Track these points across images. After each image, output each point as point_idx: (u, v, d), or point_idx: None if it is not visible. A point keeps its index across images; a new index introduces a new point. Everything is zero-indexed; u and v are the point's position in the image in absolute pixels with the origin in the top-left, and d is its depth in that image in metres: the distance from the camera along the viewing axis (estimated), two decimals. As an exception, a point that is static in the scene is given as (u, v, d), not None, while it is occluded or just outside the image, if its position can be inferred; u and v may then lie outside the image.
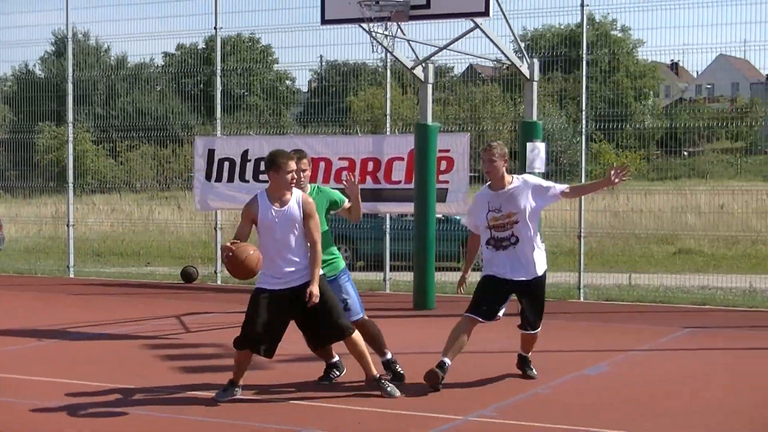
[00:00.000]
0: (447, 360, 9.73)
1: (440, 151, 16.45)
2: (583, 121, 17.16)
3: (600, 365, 11.08)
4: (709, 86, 54.38)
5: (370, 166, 17.46)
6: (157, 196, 25.21)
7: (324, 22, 15.38)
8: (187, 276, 19.84)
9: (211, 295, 18.08)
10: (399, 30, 15.48)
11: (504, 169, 9.87)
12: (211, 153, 18.63)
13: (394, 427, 8.42)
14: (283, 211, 9.14)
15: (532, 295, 10.04)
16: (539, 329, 10.15)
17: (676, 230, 20.33)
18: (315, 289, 9.04)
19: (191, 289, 18.97)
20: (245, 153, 18.39)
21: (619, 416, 8.69)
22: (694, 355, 11.97)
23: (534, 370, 10.30)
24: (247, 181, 18.32)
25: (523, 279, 9.92)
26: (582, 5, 17.08)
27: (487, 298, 9.95)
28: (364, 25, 14.74)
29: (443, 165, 16.71)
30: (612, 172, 9.57)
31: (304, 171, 9.57)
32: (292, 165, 9.06)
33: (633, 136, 21.68)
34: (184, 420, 8.63)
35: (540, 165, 15.33)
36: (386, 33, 15.13)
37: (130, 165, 24.41)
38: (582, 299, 16.93)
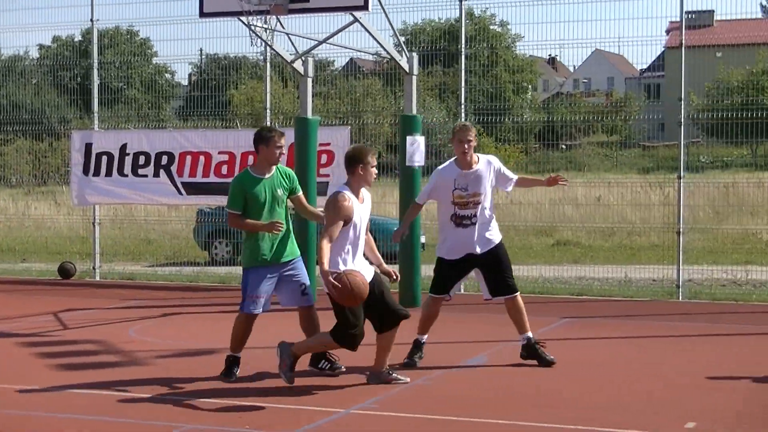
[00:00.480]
0: (424, 337, 10.80)
1: (321, 144, 16.44)
2: (463, 115, 17.32)
3: (479, 356, 11.21)
4: (585, 81, 55.36)
5: (251, 160, 17.39)
6: (34, 191, 24.73)
7: (202, 14, 15.22)
8: (65, 272, 19.52)
9: (90, 290, 17.81)
10: (278, 23, 15.43)
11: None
12: (88, 147, 18.36)
13: (277, 421, 8.42)
14: (364, 206, 9.53)
15: (497, 261, 10.56)
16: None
17: (554, 222, 20.66)
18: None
19: (69, 285, 18.68)
20: (124, 147, 18.18)
21: (499, 406, 8.81)
22: (573, 344, 12.19)
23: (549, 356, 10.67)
24: (126, 176, 18.14)
25: (486, 250, 10.49)
26: (461, 0, 17.21)
27: (451, 278, 10.65)
28: (243, 19, 14.63)
29: (324, 158, 16.73)
30: (549, 177, 10.03)
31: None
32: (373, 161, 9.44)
33: (512, 129, 21.93)
34: (67, 419, 8.51)
35: (420, 158, 15.43)
36: (266, 26, 15.06)
37: (5, 159, 23.89)
38: (462, 291, 17.06)
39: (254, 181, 9.99)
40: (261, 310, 9.91)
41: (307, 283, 10.17)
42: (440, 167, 10.83)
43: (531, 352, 10.64)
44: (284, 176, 10.19)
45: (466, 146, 10.39)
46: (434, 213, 19.47)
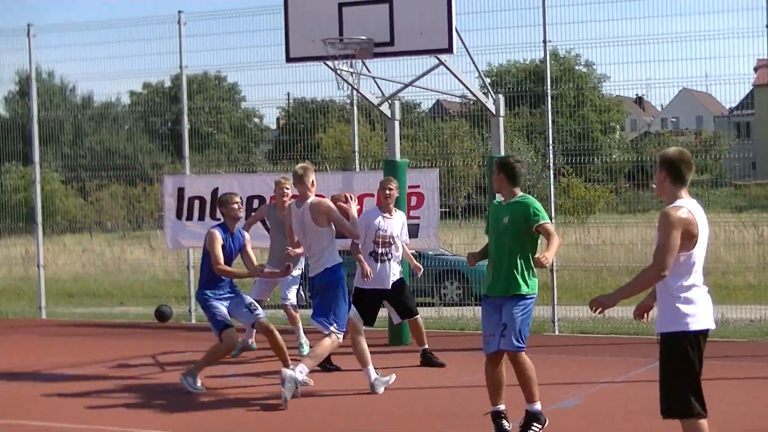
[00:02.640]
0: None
1: (410, 187, 16.49)
2: (550, 155, 17.26)
3: (573, 399, 11.11)
4: (674, 120, 54.91)
5: (341, 203, 17.49)
6: (129, 235, 25.09)
7: (289, 60, 15.38)
8: (162, 315, 19.70)
9: (186, 333, 17.98)
10: (364, 67, 15.55)
11: None
12: (180, 191, 18.58)
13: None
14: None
15: (401, 290, 13.21)
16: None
17: (647, 262, 20.38)
18: None
19: (166, 329, 18.87)
20: (215, 191, 18.38)
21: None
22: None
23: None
24: (219, 219, 18.29)
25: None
26: (545, 41, 17.18)
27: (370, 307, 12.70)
28: (330, 63, 14.79)
29: (413, 201, 16.74)
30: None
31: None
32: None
33: (601, 169, 21.78)
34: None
35: (508, 199, 15.37)
36: (351, 70, 15.19)
37: (101, 204, 24.30)
38: (557, 332, 16.95)
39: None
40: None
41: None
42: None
43: (426, 359, 13.51)
44: None
45: (387, 192, 13.03)
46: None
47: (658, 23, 22.77)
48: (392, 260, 12.88)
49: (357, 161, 18.68)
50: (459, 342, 16.09)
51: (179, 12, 19.54)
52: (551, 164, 17.28)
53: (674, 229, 6.86)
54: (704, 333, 7.05)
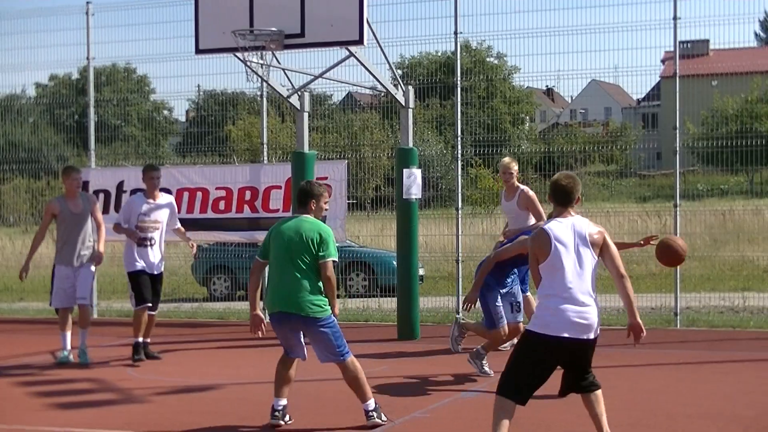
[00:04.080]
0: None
1: (318, 178, 16.48)
2: (458, 147, 17.35)
3: (477, 388, 11.20)
4: (582, 111, 55.50)
5: (248, 195, 17.47)
6: (31, 229, 24.66)
7: (198, 51, 15.27)
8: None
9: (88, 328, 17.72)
10: (274, 59, 15.51)
11: None
12: (85, 185, 18.36)
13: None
14: None
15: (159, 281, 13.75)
16: None
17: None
18: None
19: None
20: (121, 184, 18.22)
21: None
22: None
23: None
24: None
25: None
26: (456, 33, 17.27)
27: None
28: (239, 55, 14.71)
29: (321, 192, 16.71)
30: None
31: None
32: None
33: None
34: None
35: (417, 191, 15.48)
36: (261, 62, 15.14)
37: (3, 198, 23.88)
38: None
39: None
40: None
41: None
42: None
43: (145, 353, 13.61)
44: None
45: (156, 182, 13.55)
46: (433, 246, 19.67)
47: (568, 15, 23.02)
48: (155, 246, 13.53)
49: (265, 153, 18.63)
50: (365, 334, 16.12)
51: (87, 2, 19.30)
52: (459, 156, 17.37)
53: (528, 241, 8.17)
54: (562, 339, 7.55)
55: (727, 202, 21.05)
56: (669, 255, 9.70)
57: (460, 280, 17.23)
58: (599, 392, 7.91)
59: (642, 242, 10.83)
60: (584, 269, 7.65)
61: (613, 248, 7.82)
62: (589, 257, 7.68)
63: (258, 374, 11.90)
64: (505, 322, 11.55)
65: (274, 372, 9.46)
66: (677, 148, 16.22)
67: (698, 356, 13.25)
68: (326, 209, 9.50)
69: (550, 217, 7.96)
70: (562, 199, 7.91)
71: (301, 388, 10.56)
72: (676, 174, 16.29)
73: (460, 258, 17.31)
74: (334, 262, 9.23)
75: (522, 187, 13.38)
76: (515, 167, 13.48)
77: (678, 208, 16.13)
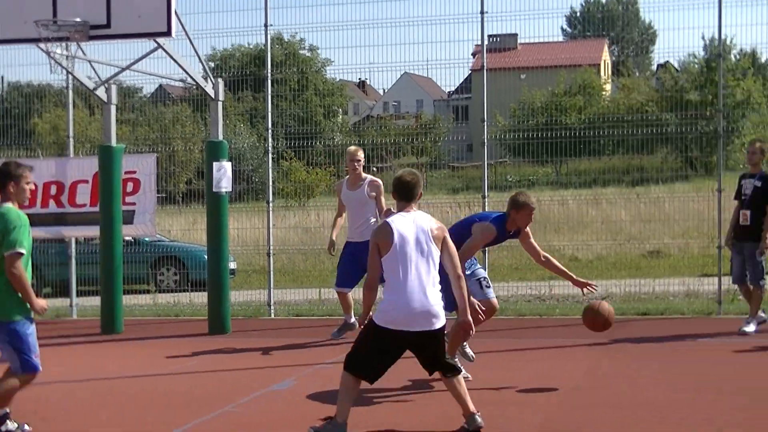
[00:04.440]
0: None
1: (126, 172, 16.23)
2: (270, 140, 17.29)
3: (288, 380, 11.19)
4: (395, 104, 56.01)
5: (53, 189, 17.01)
6: None
7: (-3, 41, 14.87)
8: None
9: None
10: (79, 50, 15.16)
11: None
12: None
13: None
14: None
15: None
16: None
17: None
18: None
19: None
20: None
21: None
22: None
23: None
24: None
25: None
26: (266, 25, 17.19)
27: None
28: (42, 45, 14.32)
29: (129, 186, 16.47)
30: None
31: None
32: None
33: (323, 153, 22.01)
34: None
35: (227, 184, 15.35)
36: (66, 53, 14.78)
37: None
38: (273, 316, 17.03)
39: None
40: None
41: None
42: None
43: None
44: None
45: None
46: (245, 239, 19.57)
47: (381, 8, 23.18)
48: None
49: (71, 147, 18.18)
50: (175, 329, 15.95)
51: None
52: (270, 148, 17.30)
53: (372, 234, 8.31)
54: (408, 332, 7.94)
55: (535, 193, 21.52)
56: (594, 322, 10.34)
57: (272, 273, 17.17)
58: (460, 376, 8.30)
59: (576, 282, 10.97)
60: (426, 263, 7.98)
61: (452, 246, 8.21)
62: (431, 251, 8.01)
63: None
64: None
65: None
66: (485, 141, 16.53)
67: (506, 344, 13.52)
68: (29, 189, 8.49)
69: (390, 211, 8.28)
70: (405, 195, 8.23)
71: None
72: (484, 165, 16.60)
73: (271, 251, 17.25)
74: (19, 254, 8.16)
75: (369, 176, 13.37)
76: (362, 155, 13.41)
77: (486, 199, 16.44)
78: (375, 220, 13.06)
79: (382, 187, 13.23)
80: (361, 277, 12.56)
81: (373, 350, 8.03)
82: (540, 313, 16.43)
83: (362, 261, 12.38)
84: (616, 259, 20.75)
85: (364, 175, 13.38)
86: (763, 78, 23.85)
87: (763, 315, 13.67)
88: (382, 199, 13.17)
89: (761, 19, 17.10)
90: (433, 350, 8.15)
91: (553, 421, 9.03)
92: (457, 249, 8.64)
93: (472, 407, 8.24)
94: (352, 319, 13.44)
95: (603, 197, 19.80)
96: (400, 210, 8.18)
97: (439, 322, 8.01)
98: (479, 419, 8.23)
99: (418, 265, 7.95)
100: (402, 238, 7.94)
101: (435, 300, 8.00)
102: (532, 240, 10.71)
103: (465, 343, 11.15)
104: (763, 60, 24.72)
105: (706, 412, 9.14)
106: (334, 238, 13.79)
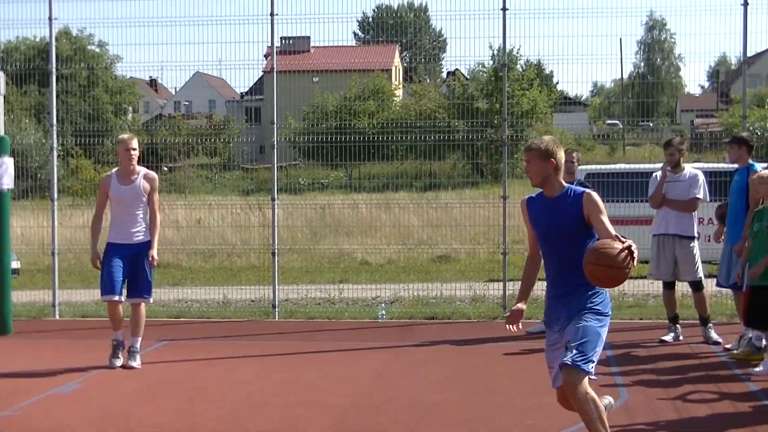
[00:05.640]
0: None
1: None
2: (54, 136, 16.79)
3: (71, 383, 10.91)
4: (186, 103, 55.45)
5: None
6: None
7: None
8: None
9: None
10: None
11: None
12: None
13: None
14: None
15: None
16: None
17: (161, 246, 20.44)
18: None
19: None
20: None
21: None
22: (168, 366, 12.11)
23: None
24: None
25: None
26: (50, 18, 16.67)
27: None
28: None
29: None
30: None
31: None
32: None
33: (112, 151, 21.59)
34: None
35: (8, 181, 14.84)
36: None
37: None
38: (57, 317, 16.56)
39: None
40: None
41: None
42: None
43: None
44: None
45: None
46: (30, 238, 18.99)
47: (173, 6, 22.88)
48: None
49: None
50: None
51: None
52: (54, 145, 16.82)
53: None
54: None
55: (327, 196, 21.63)
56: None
57: (57, 272, 16.68)
58: None
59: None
60: None
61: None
62: None
63: None
64: None
65: None
66: (275, 143, 16.52)
67: (295, 347, 13.51)
68: None
69: None
70: None
71: None
72: (274, 168, 16.56)
73: (56, 250, 16.76)
74: None
75: (143, 169, 12.34)
76: (136, 144, 11.98)
77: (276, 202, 16.40)
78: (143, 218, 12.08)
79: (157, 181, 12.23)
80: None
81: None
82: (329, 316, 16.48)
83: (132, 266, 11.86)
84: (406, 263, 21.00)
85: (138, 168, 12.12)
86: (548, 88, 24.53)
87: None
88: (157, 195, 12.14)
89: (544, 32, 17.54)
90: None
91: (343, 422, 9.08)
92: None
93: None
94: (121, 337, 12.15)
95: (394, 202, 20.02)
96: None
97: None
98: None
99: None
100: None
101: None
102: None
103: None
104: (547, 71, 25.44)
105: (487, 411, 9.35)
106: (98, 249, 12.20)
